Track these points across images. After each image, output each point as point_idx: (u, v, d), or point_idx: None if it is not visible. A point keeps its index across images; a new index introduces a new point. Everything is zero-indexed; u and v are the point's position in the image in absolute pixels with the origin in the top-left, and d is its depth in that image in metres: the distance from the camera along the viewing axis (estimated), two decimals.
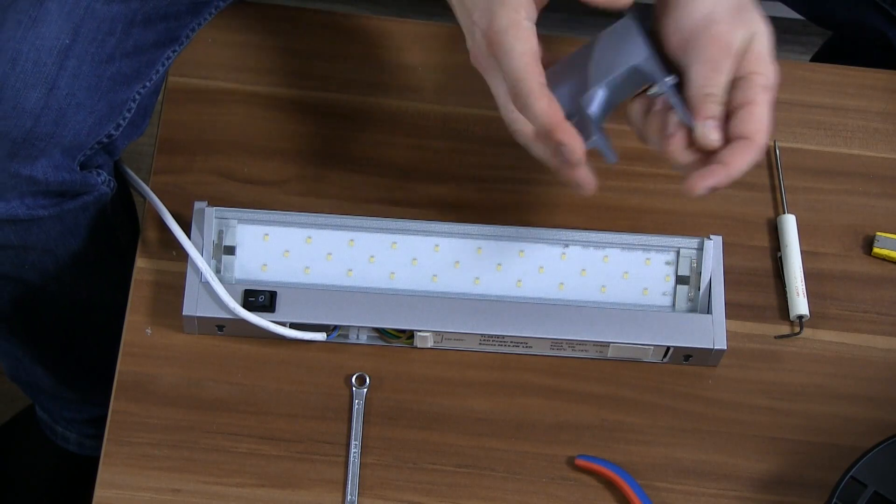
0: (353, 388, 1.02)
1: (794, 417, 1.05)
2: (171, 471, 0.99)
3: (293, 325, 1.02)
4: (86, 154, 1.07)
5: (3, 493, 1.57)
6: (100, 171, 1.10)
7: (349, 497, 0.99)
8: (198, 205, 1.04)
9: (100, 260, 1.19)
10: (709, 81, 0.87)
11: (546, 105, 0.88)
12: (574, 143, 0.88)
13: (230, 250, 1.04)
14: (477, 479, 1.01)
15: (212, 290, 1.01)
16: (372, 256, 1.04)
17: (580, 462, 1.01)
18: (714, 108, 0.88)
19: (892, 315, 1.10)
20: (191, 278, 1.02)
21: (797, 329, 1.08)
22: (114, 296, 1.28)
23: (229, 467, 0.99)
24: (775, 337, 1.08)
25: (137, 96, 1.10)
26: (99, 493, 0.98)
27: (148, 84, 1.11)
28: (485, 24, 0.89)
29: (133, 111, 1.10)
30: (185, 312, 1.01)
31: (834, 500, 0.96)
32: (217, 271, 1.03)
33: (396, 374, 1.03)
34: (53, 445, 1.53)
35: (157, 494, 0.98)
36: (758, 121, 0.88)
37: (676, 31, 0.90)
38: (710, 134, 0.88)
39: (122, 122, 1.09)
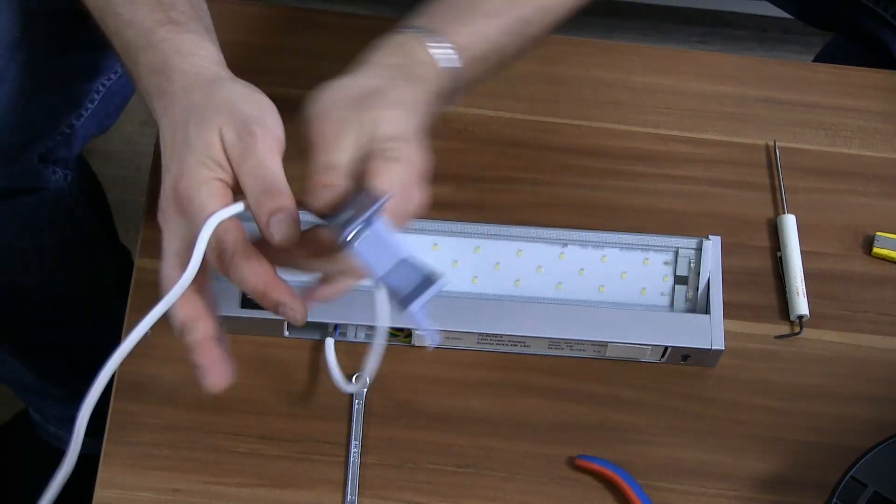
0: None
1: (794, 417, 1.05)
2: (171, 471, 0.99)
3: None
4: (45, 146, 1.07)
5: (1, 496, 1.57)
6: (56, 166, 1.10)
7: (349, 497, 0.99)
8: None
9: (67, 254, 1.19)
10: (320, 159, 0.84)
11: (255, 266, 0.83)
12: (294, 303, 0.83)
13: None
14: (477, 479, 1.01)
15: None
16: None
17: (580, 462, 1.01)
18: (327, 175, 0.83)
19: (892, 315, 1.10)
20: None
21: (797, 329, 1.08)
22: (88, 289, 1.28)
23: (229, 467, 0.99)
24: (775, 337, 1.08)
25: (102, 88, 1.09)
26: (99, 493, 0.98)
27: (113, 76, 1.10)
28: (175, 172, 0.85)
29: (97, 103, 1.09)
30: None
31: (834, 500, 0.96)
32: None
33: (396, 374, 1.03)
34: (50, 446, 1.53)
35: (157, 494, 0.98)
36: (380, 182, 0.83)
37: (306, 117, 0.87)
38: (322, 194, 0.83)
39: (83, 112, 1.08)
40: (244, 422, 1.01)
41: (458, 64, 0.90)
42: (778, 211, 1.13)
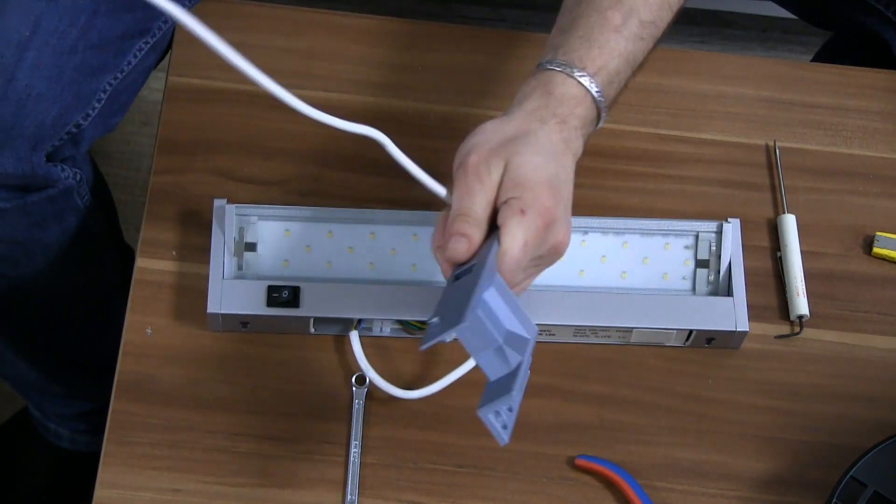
0: (353, 388, 1.02)
1: (794, 417, 1.05)
2: (171, 471, 0.99)
3: (317, 320, 1.02)
4: (53, 145, 1.07)
5: (1, 494, 1.57)
6: (64, 164, 1.10)
7: (349, 497, 0.99)
8: (217, 202, 1.04)
9: (74, 252, 1.19)
10: (460, 204, 0.89)
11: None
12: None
13: (251, 247, 1.04)
14: (477, 479, 1.01)
15: (236, 287, 1.01)
16: (393, 249, 1.05)
17: (580, 462, 1.01)
18: (463, 225, 0.88)
19: (892, 315, 1.10)
20: (214, 275, 1.01)
21: (797, 329, 1.08)
22: (93, 288, 1.28)
23: (229, 467, 0.99)
24: (775, 337, 1.08)
25: (108, 87, 1.10)
26: (99, 493, 0.98)
27: (119, 75, 1.11)
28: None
29: (103, 102, 1.10)
30: (209, 310, 1.01)
31: (834, 500, 0.96)
32: (239, 268, 1.03)
33: (396, 374, 1.03)
34: (49, 444, 1.53)
35: (157, 494, 0.98)
36: (506, 242, 0.87)
37: (456, 157, 0.92)
38: (456, 245, 0.88)
39: (90, 112, 1.09)
40: (244, 422, 1.01)
41: (598, 89, 0.94)
42: (778, 211, 1.13)
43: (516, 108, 0.93)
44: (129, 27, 1.11)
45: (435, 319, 0.85)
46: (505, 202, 0.88)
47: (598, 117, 0.96)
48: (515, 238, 0.87)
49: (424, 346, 0.84)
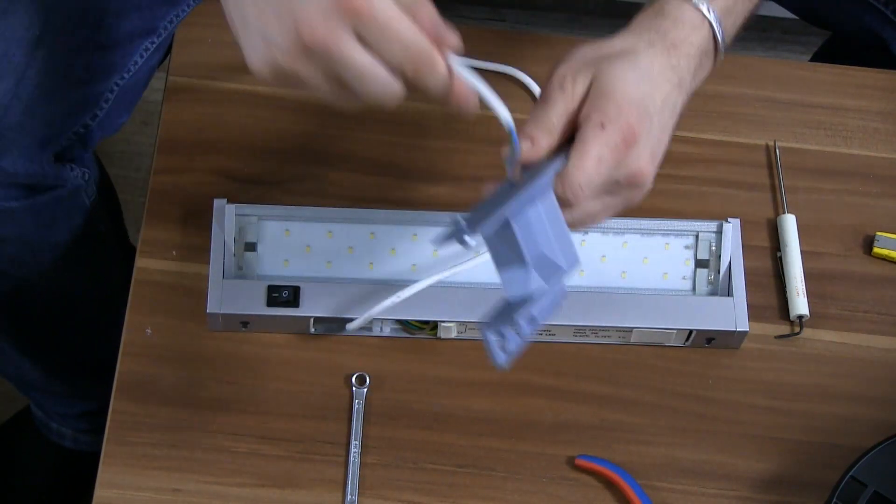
0: (353, 388, 1.03)
1: (794, 417, 1.05)
2: (171, 471, 0.99)
3: (317, 320, 1.02)
4: (61, 145, 1.08)
5: (3, 493, 1.57)
6: (73, 164, 1.11)
7: (349, 497, 0.99)
8: (217, 202, 1.04)
9: (81, 251, 1.20)
10: (535, 112, 0.84)
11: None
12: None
13: (251, 247, 1.04)
14: (477, 479, 1.01)
15: (236, 287, 1.01)
16: (393, 249, 1.05)
17: (580, 462, 1.01)
18: (531, 128, 0.83)
19: (892, 315, 1.10)
20: (214, 275, 1.02)
21: (797, 329, 1.08)
22: (98, 287, 1.29)
23: (229, 467, 0.99)
24: (775, 337, 1.08)
25: (115, 87, 1.10)
26: (99, 493, 0.98)
27: (126, 75, 1.11)
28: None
29: (111, 102, 1.10)
30: (209, 310, 1.01)
31: (834, 500, 0.96)
32: (239, 268, 1.03)
33: (396, 374, 1.04)
34: (51, 443, 1.54)
35: (157, 494, 0.98)
36: (575, 155, 0.83)
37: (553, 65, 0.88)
38: (525, 145, 0.83)
39: (98, 112, 1.09)
40: (244, 422, 1.01)
41: (716, 17, 0.89)
42: (778, 211, 1.13)
43: (623, 29, 0.89)
44: (136, 27, 1.11)
45: (462, 217, 0.80)
46: (586, 112, 0.83)
47: (716, 52, 0.91)
48: (588, 151, 0.82)
49: (436, 245, 0.79)
